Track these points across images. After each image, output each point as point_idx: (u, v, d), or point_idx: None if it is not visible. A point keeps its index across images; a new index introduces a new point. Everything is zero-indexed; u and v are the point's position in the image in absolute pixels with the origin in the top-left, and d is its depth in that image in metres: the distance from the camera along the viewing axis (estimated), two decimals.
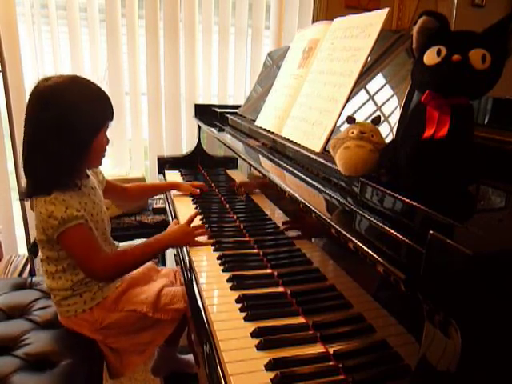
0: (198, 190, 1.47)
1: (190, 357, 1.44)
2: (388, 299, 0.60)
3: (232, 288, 0.88)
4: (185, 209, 1.35)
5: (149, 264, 1.25)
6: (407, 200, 0.53)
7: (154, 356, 1.39)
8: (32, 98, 0.94)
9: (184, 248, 1.08)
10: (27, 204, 1.79)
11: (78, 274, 1.02)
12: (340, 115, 0.90)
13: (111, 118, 1.02)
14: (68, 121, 0.92)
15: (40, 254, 1.04)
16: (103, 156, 1.06)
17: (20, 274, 1.84)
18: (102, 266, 0.97)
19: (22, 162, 0.97)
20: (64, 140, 0.92)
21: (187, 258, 1.03)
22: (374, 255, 0.53)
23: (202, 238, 1.11)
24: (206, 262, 1.01)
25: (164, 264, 2.13)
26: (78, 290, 1.03)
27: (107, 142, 1.04)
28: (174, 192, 1.53)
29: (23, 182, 1.77)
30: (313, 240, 0.86)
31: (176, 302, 1.11)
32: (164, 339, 1.16)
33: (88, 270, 0.98)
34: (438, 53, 0.54)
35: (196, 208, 1.36)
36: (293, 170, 0.91)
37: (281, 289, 0.87)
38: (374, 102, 0.84)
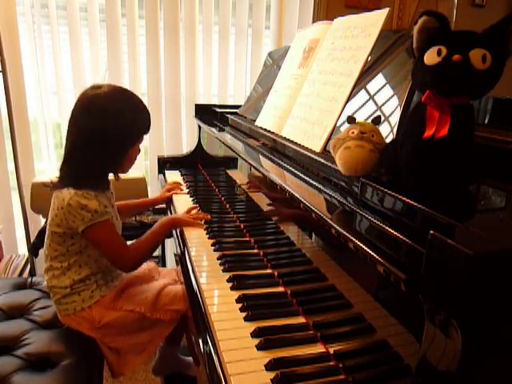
0: (169, 194, 1.47)
1: (191, 359, 1.44)
2: (388, 299, 0.60)
3: (232, 288, 0.88)
4: (185, 209, 1.35)
5: (150, 264, 1.25)
6: (407, 200, 0.53)
7: (156, 355, 1.39)
8: (79, 103, 1.01)
9: (184, 248, 1.08)
10: (27, 204, 1.79)
11: (81, 273, 1.03)
12: (340, 115, 0.90)
13: (148, 130, 1.08)
14: (111, 128, 0.99)
15: (46, 249, 1.05)
16: (133, 164, 1.12)
17: (20, 274, 1.84)
18: (129, 256, 1.05)
19: (63, 157, 1.03)
20: (104, 145, 0.99)
21: (188, 258, 1.03)
22: (375, 255, 0.53)
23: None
24: (206, 262, 1.01)
25: (164, 264, 2.13)
26: (76, 289, 1.03)
27: (139, 151, 1.11)
28: (173, 191, 1.53)
29: (24, 181, 1.77)
30: (313, 240, 0.87)
31: (176, 303, 1.11)
32: (163, 340, 1.16)
33: (117, 261, 1.05)
34: (439, 53, 0.54)
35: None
36: (293, 169, 0.91)
37: (281, 289, 0.87)
38: (375, 102, 0.84)
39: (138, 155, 1.11)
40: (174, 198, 1.46)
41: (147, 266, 1.23)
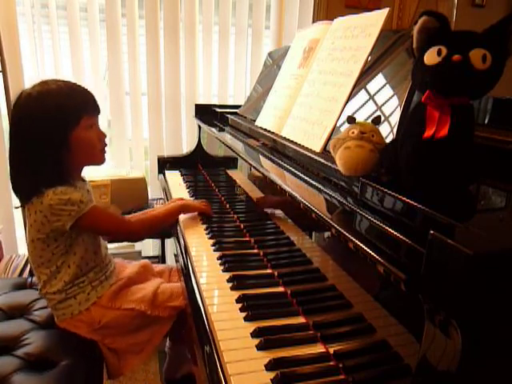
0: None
1: None
2: (388, 299, 0.59)
3: (232, 288, 0.88)
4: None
5: (144, 262, 1.24)
6: (407, 200, 0.53)
7: (166, 360, 1.37)
8: (13, 111, 0.99)
9: (184, 248, 1.08)
10: None
11: (70, 273, 1.02)
12: (340, 115, 0.90)
13: (89, 112, 1.01)
14: (37, 121, 0.95)
15: (30, 258, 1.03)
16: (102, 151, 1.06)
17: (20, 274, 1.84)
18: (132, 227, 1.09)
19: (11, 175, 1.01)
20: (40, 140, 0.95)
21: (187, 258, 1.03)
22: (375, 255, 0.53)
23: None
24: (206, 261, 1.01)
25: (164, 263, 2.13)
26: (71, 293, 1.02)
27: (101, 136, 1.05)
28: (173, 191, 1.53)
29: None
30: (313, 240, 0.87)
31: (174, 300, 1.11)
32: (161, 338, 1.16)
33: (122, 234, 1.11)
34: (439, 53, 0.54)
35: None
36: (293, 169, 0.91)
37: (281, 289, 0.87)
38: (375, 102, 0.84)
39: (101, 139, 1.05)
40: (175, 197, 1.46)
41: (141, 264, 1.22)
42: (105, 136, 1.06)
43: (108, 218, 1.05)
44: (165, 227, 1.21)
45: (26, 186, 0.99)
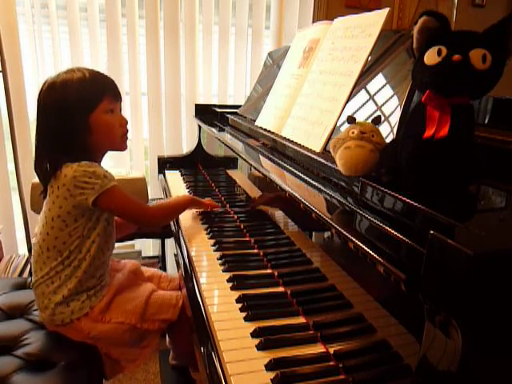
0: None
1: None
2: (388, 299, 0.60)
3: (232, 288, 0.88)
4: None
5: (134, 266, 1.21)
6: (408, 200, 0.53)
7: (170, 350, 1.38)
8: (38, 98, 1.02)
9: (184, 248, 1.08)
10: (27, 204, 1.79)
11: (81, 259, 0.99)
12: (340, 115, 0.90)
13: (110, 96, 1.02)
14: (60, 103, 0.98)
15: (43, 243, 0.99)
16: (123, 137, 1.07)
17: (20, 274, 1.84)
18: (151, 212, 1.09)
19: (35, 158, 1.03)
20: (62, 123, 0.98)
21: (188, 258, 1.03)
22: (375, 255, 0.53)
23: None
24: (206, 261, 1.01)
25: (164, 264, 2.13)
26: (67, 298, 0.99)
27: (122, 121, 1.06)
28: (173, 191, 1.53)
29: (23, 181, 1.77)
30: (313, 240, 0.87)
31: (164, 312, 1.08)
32: (154, 347, 1.13)
33: (142, 218, 1.07)
34: (439, 53, 0.54)
35: None
36: (293, 169, 0.91)
37: (281, 289, 0.87)
38: (375, 102, 0.84)
39: (123, 125, 1.06)
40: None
41: (130, 268, 1.18)
42: (126, 122, 1.07)
43: (129, 199, 1.03)
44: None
45: (50, 163, 0.99)
